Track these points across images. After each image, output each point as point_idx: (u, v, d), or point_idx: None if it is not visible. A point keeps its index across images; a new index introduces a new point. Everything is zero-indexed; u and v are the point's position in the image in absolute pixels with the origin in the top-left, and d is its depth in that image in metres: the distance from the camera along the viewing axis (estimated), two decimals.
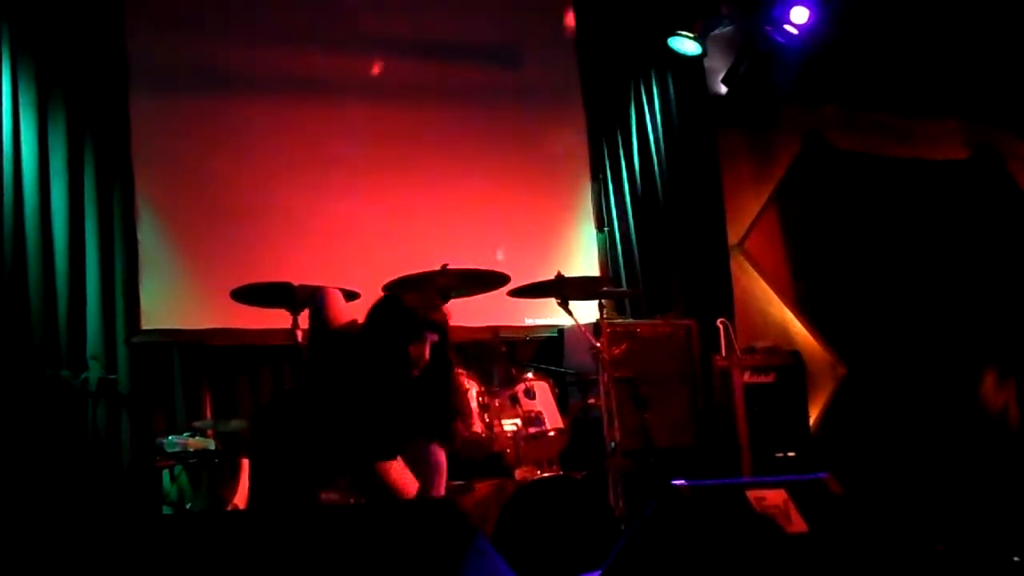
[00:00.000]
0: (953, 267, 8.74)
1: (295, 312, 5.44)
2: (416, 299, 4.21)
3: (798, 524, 3.59)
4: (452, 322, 4.45)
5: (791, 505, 3.62)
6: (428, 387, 4.17)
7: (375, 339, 4.14)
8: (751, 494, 3.61)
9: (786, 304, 8.34)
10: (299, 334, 5.49)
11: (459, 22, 7.55)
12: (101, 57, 6.52)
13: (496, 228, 7.25)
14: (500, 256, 6.67)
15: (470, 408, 4.44)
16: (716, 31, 7.84)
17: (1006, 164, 9.24)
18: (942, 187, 8.93)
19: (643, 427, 6.26)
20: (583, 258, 7.61)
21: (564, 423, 5.75)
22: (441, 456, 4.36)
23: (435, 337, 4.16)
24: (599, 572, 3.72)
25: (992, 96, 8.87)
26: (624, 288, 7.58)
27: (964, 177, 9.04)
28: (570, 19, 7.93)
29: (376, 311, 4.20)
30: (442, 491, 4.45)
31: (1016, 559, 5.27)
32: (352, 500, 4.26)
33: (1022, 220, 9.06)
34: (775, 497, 3.63)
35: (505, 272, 5.74)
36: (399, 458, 4.23)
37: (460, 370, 5.50)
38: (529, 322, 7.13)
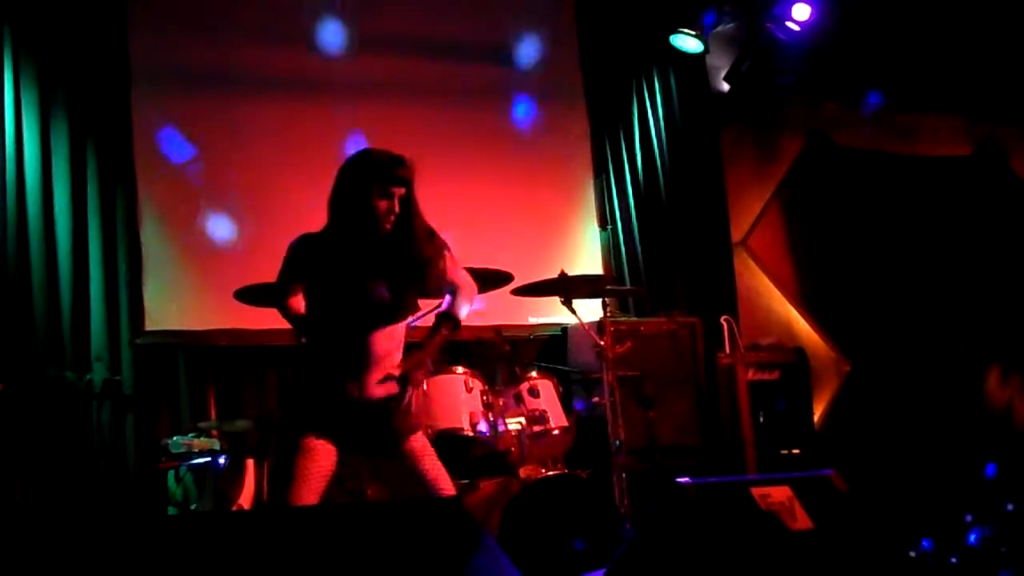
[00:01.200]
0: (957, 264, 8.73)
1: None
2: (381, 153, 4.16)
3: (803, 521, 3.59)
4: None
5: (796, 502, 3.63)
6: (401, 239, 4.08)
7: (343, 193, 4.10)
8: (756, 491, 3.62)
9: (790, 301, 8.34)
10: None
11: (461, 21, 7.55)
12: (103, 58, 6.54)
13: (499, 227, 7.26)
14: None
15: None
16: (718, 28, 7.84)
17: (1010, 160, 9.23)
18: (946, 184, 8.92)
19: (647, 425, 6.26)
20: (586, 256, 7.61)
21: (568, 421, 5.74)
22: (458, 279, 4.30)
23: (402, 191, 4.08)
24: (604, 570, 3.72)
25: (996, 92, 8.86)
26: (627, 286, 7.58)
27: (968, 173, 9.03)
28: (572, 17, 7.93)
29: (343, 167, 4.17)
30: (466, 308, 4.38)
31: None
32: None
33: None
34: (780, 494, 3.63)
35: (509, 271, 5.74)
36: None
37: (464, 369, 5.50)
38: (533, 321, 7.13)
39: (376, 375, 4.07)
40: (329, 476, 4.01)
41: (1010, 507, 5.65)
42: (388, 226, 4.06)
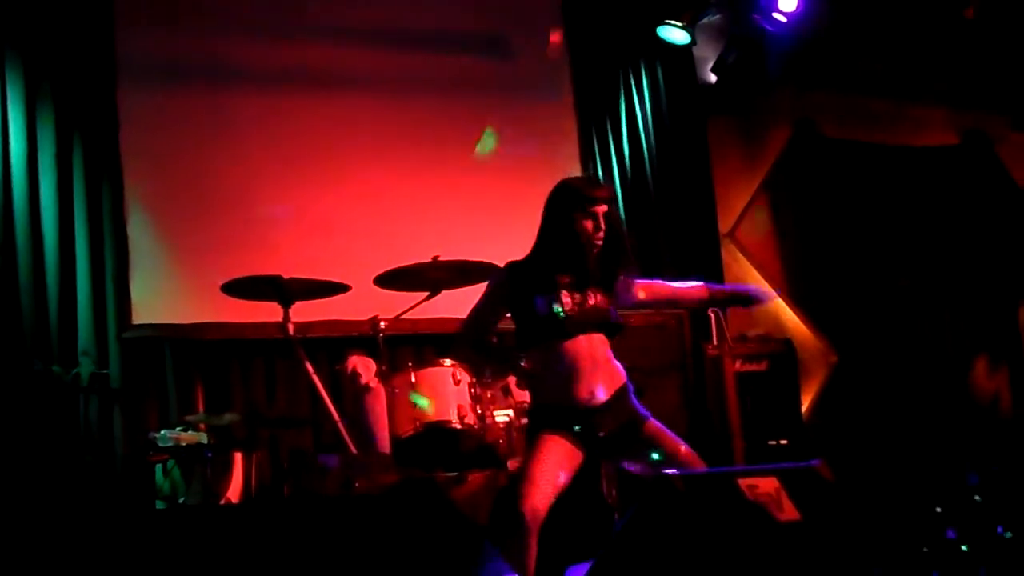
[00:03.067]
0: (945, 254, 8.75)
1: (286, 305, 5.44)
2: (577, 179, 4.66)
3: (790, 512, 3.59)
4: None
5: (783, 493, 3.62)
6: (611, 252, 4.42)
7: (551, 223, 4.48)
8: (743, 482, 3.62)
9: (777, 292, 8.34)
10: (290, 327, 5.49)
11: (448, 13, 7.54)
12: (89, 53, 6.51)
13: (487, 219, 7.24)
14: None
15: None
16: (705, 19, 7.83)
17: (995, 149, 9.24)
18: (932, 173, 8.94)
19: None
20: None
21: None
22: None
23: (604, 208, 4.39)
24: (592, 562, 3.73)
25: (982, 81, 8.87)
26: None
27: (954, 163, 9.04)
28: (558, 8, 7.92)
29: (547, 202, 4.55)
30: None
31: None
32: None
33: (1011, 204, 9.07)
34: (767, 485, 3.63)
35: (497, 264, 5.72)
36: None
37: (452, 362, 5.51)
38: None
39: (601, 380, 4.38)
40: (570, 471, 4.30)
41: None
42: (599, 242, 4.39)
